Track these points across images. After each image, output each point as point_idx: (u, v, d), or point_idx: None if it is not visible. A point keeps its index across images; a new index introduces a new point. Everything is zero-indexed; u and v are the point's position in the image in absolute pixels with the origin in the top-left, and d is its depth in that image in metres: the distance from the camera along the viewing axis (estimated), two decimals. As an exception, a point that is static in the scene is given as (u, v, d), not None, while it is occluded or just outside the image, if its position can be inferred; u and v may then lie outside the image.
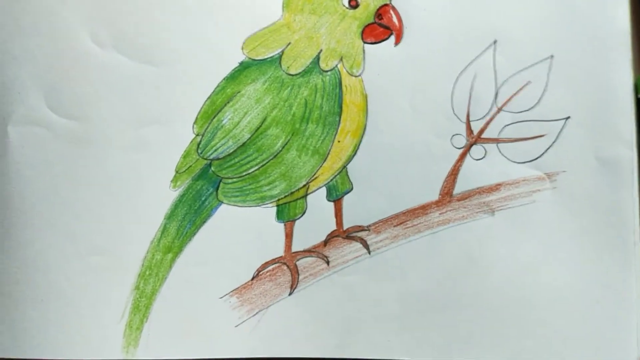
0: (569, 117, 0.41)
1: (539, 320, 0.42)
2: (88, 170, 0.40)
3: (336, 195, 0.42)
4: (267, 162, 0.41)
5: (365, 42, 0.42)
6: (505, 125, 0.44)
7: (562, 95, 0.44)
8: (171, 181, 0.40)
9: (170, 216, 0.40)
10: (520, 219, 0.43)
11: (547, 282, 0.42)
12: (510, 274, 0.42)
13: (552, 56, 0.44)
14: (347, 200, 0.42)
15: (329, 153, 0.42)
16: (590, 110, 0.43)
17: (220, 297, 0.40)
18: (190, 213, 0.40)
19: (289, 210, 0.41)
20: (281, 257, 0.41)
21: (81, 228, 0.40)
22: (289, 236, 0.41)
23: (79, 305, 0.39)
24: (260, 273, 0.41)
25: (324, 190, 0.42)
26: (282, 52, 0.41)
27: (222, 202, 0.41)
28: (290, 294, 0.41)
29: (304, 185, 0.42)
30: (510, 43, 0.43)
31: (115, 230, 0.40)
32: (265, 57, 0.41)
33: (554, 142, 0.43)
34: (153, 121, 0.40)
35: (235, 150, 0.41)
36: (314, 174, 0.42)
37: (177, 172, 0.40)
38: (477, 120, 0.43)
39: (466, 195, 0.43)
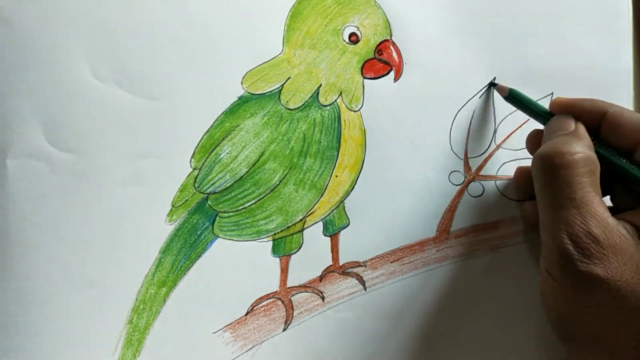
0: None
1: (539, 357, 0.41)
2: (85, 204, 0.40)
3: (333, 230, 0.42)
4: (264, 196, 0.41)
5: (364, 77, 0.43)
6: (504, 163, 0.44)
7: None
8: (167, 215, 0.41)
9: (165, 250, 0.40)
10: (519, 257, 0.42)
11: (544, 321, 0.41)
12: (508, 313, 0.42)
13: (552, 94, 0.44)
14: (343, 235, 0.42)
15: (326, 188, 0.42)
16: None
17: (214, 332, 0.40)
18: (185, 247, 0.40)
19: (285, 245, 0.41)
20: (276, 292, 0.41)
21: (76, 261, 0.40)
22: (284, 271, 0.41)
23: (72, 338, 0.39)
24: (255, 308, 0.41)
25: (320, 225, 0.42)
26: (282, 86, 0.42)
27: (218, 236, 0.41)
28: (284, 329, 0.41)
29: (301, 220, 0.42)
30: (510, 80, 0.43)
31: (110, 264, 0.40)
32: (265, 91, 0.42)
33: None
34: (151, 155, 0.40)
35: (232, 185, 0.41)
36: (311, 209, 0.42)
37: (173, 205, 0.40)
38: (476, 157, 0.44)
39: (464, 233, 0.43)
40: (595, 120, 0.37)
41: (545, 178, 0.35)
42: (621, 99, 0.45)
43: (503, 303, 0.42)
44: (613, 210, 0.34)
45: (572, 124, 0.37)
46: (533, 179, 0.36)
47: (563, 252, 0.32)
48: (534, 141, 0.41)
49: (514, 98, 0.41)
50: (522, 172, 0.42)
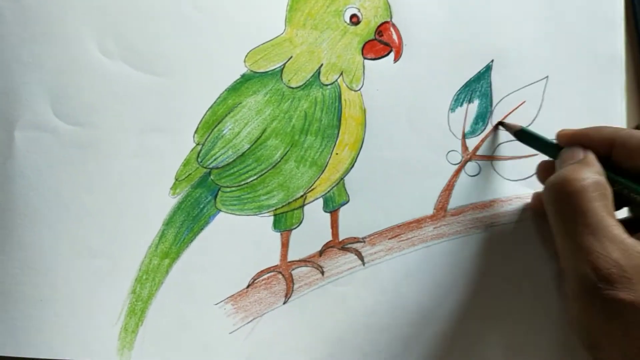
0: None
1: (530, 333, 0.42)
2: (91, 176, 0.41)
3: (333, 206, 0.43)
4: (266, 172, 0.42)
5: (365, 58, 0.43)
6: (500, 143, 0.44)
7: (556, 115, 0.45)
8: (171, 188, 0.41)
9: (168, 222, 0.41)
10: (513, 235, 0.43)
11: (537, 299, 0.42)
12: (501, 288, 0.42)
13: (547, 77, 0.45)
14: (343, 211, 0.43)
15: (326, 165, 0.42)
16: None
17: (216, 304, 0.41)
18: (188, 220, 0.41)
19: (285, 220, 0.42)
20: (277, 265, 0.42)
21: (82, 231, 0.40)
22: (285, 245, 0.42)
23: (76, 307, 0.40)
24: (256, 281, 0.41)
25: (320, 202, 0.43)
26: (284, 65, 0.42)
27: (220, 210, 0.42)
28: (284, 302, 0.42)
29: (302, 196, 0.42)
30: (507, 63, 0.44)
31: (114, 235, 0.41)
32: (267, 70, 0.42)
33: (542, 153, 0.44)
34: (155, 129, 0.41)
35: (234, 160, 0.42)
36: (312, 185, 0.42)
37: (176, 179, 0.41)
38: (473, 137, 0.44)
39: (460, 211, 0.43)
40: (605, 147, 0.37)
41: (557, 206, 0.35)
42: (614, 83, 0.45)
43: (498, 279, 0.43)
44: (630, 224, 0.34)
45: (580, 154, 0.37)
46: (545, 207, 0.36)
47: (585, 281, 0.32)
48: (544, 172, 0.41)
49: (524, 135, 0.42)
50: (537, 198, 0.43)
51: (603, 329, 0.32)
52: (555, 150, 0.39)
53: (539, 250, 0.42)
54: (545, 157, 0.42)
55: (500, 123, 0.44)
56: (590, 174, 0.34)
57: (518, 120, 0.45)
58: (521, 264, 0.43)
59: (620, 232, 0.33)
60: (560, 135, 0.39)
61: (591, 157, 0.36)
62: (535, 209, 0.43)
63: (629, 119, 0.46)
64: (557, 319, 0.42)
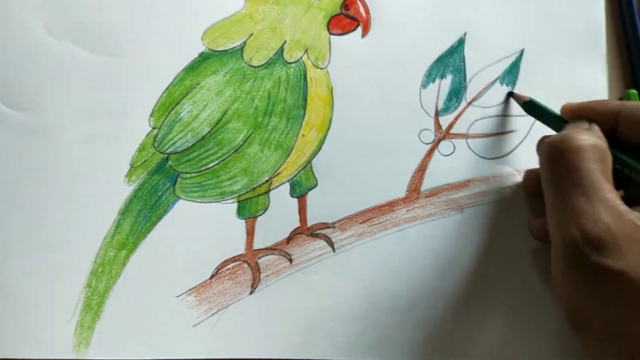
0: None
1: (512, 315, 0.40)
2: (40, 164, 0.38)
3: (300, 191, 0.41)
4: (228, 157, 0.40)
5: (331, 34, 0.41)
6: (475, 121, 0.43)
7: (533, 90, 0.43)
8: (126, 175, 0.39)
9: (124, 212, 0.39)
10: (490, 216, 0.41)
11: (517, 279, 0.40)
12: (479, 271, 0.41)
13: (523, 50, 0.43)
14: (311, 196, 0.41)
15: (292, 148, 0.40)
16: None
17: (177, 296, 0.39)
18: (145, 209, 0.39)
19: (250, 207, 0.40)
20: (242, 254, 0.40)
21: (32, 223, 0.38)
22: (250, 233, 0.40)
23: (28, 303, 0.38)
24: (220, 271, 0.39)
25: (287, 186, 0.41)
26: (244, 43, 0.40)
27: (180, 198, 0.40)
28: (251, 292, 0.40)
29: (267, 181, 0.40)
30: (481, 36, 0.42)
31: (67, 226, 0.39)
32: (227, 48, 0.40)
33: (525, 138, 0.42)
34: (108, 113, 0.39)
35: (194, 144, 0.40)
36: (277, 169, 0.40)
37: (132, 166, 0.39)
38: (446, 115, 0.43)
39: (434, 192, 0.42)
40: (611, 119, 0.35)
41: (551, 164, 0.33)
42: (594, 55, 0.44)
43: (476, 262, 0.41)
44: (627, 202, 0.32)
45: (585, 124, 0.35)
46: (540, 169, 0.35)
47: (571, 244, 0.30)
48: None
49: (532, 107, 0.41)
50: (530, 175, 0.41)
51: (586, 298, 0.31)
52: (561, 123, 0.38)
53: (519, 230, 0.40)
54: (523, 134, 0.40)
55: (510, 93, 0.43)
56: (590, 136, 0.33)
57: (493, 97, 0.42)
58: (500, 245, 0.41)
59: (614, 197, 0.31)
60: (565, 109, 0.38)
61: (595, 126, 0.35)
62: (526, 189, 0.41)
63: (611, 92, 0.44)
64: (540, 298, 0.40)
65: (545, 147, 0.34)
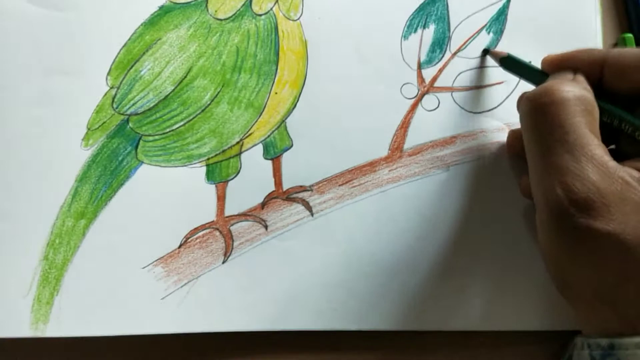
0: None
1: (503, 277, 0.38)
2: (-13, 128, 0.35)
3: (274, 152, 0.38)
4: (194, 117, 0.37)
5: (303, -18, 0.38)
6: (460, 73, 0.40)
7: (521, 38, 0.41)
8: (82, 139, 0.36)
9: (82, 178, 0.36)
10: (477, 174, 0.39)
11: (505, 241, 0.38)
12: (465, 233, 0.38)
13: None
14: (286, 157, 0.38)
15: (265, 106, 0.38)
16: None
17: (143, 267, 0.36)
18: (105, 174, 0.36)
19: (220, 170, 0.37)
20: (213, 222, 0.37)
21: (-20, 193, 0.35)
22: (221, 199, 0.37)
23: (-20, 279, 0.35)
24: (189, 240, 0.37)
25: (260, 148, 0.38)
26: (209, -6, 0.37)
27: (143, 162, 0.37)
28: (223, 262, 0.37)
29: (238, 142, 0.37)
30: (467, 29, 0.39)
31: (19, 195, 0.36)
32: (189, 0, 0.37)
33: (513, 90, 0.40)
34: (61, 72, 0.36)
35: (156, 104, 0.37)
36: (249, 130, 0.37)
37: (89, 129, 0.36)
38: (429, 67, 0.40)
39: (418, 150, 0.39)
40: (596, 68, 0.33)
41: (532, 120, 0.30)
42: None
43: (463, 223, 0.38)
44: (616, 157, 0.30)
45: (570, 75, 0.33)
46: (521, 126, 0.32)
47: (556, 205, 0.28)
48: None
49: (510, 62, 0.38)
50: (514, 134, 0.38)
51: (573, 262, 0.29)
52: (544, 77, 0.35)
53: (508, 189, 0.38)
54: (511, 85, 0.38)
55: (486, 51, 0.40)
56: (575, 87, 0.30)
57: (479, 47, 0.40)
58: (488, 204, 0.39)
59: (602, 152, 0.28)
60: (546, 61, 0.35)
61: (581, 77, 0.32)
62: (511, 150, 0.38)
63: (605, 36, 0.41)
64: (529, 261, 0.37)
65: (525, 101, 0.31)
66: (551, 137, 0.29)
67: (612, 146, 0.34)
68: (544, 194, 0.29)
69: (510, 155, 0.39)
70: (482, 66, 0.40)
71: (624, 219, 0.27)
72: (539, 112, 0.30)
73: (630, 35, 0.41)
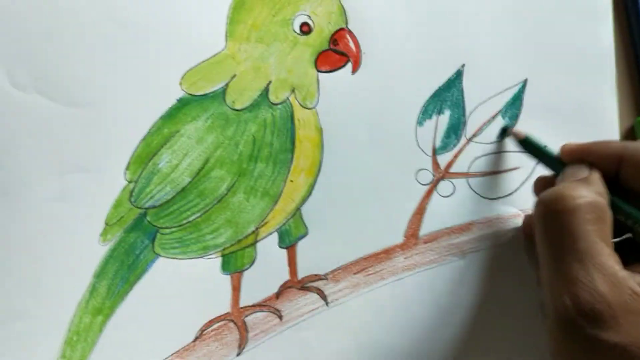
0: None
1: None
2: (6, 225, 0.36)
3: (289, 241, 0.38)
4: (211, 208, 0.37)
5: (319, 71, 0.39)
6: (476, 158, 0.40)
7: (537, 122, 0.40)
8: (100, 235, 0.37)
9: (99, 274, 0.36)
10: (493, 262, 0.39)
11: (524, 331, 0.37)
12: (484, 322, 0.38)
13: (526, 80, 0.40)
14: (301, 246, 0.38)
15: (280, 194, 0.38)
16: (569, 139, 0.39)
17: (159, 362, 0.36)
18: (122, 269, 0.36)
19: (235, 260, 0.37)
20: (228, 313, 0.37)
21: (-1, 291, 0.36)
22: (236, 289, 0.37)
23: (-2, 377, 0.35)
24: (204, 332, 0.37)
25: (275, 237, 0.38)
26: (226, 85, 0.38)
27: (159, 255, 0.37)
28: (238, 354, 0.37)
29: (253, 232, 0.38)
30: (480, 68, 0.40)
31: (37, 292, 0.36)
32: (207, 92, 0.38)
33: (529, 176, 0.39)
34: (79, 168, 0.36)
35: (174, 197, 0.37)
36: (264, 219, 0.38)
37: (107, 224, 0.36)
38: (444, 153, 0.40)
39: (434, 237, 0.39)
40: (613, 163, 0.33)
41: (544, 226, 0.31)
42: (603, 81, 0.41)
43: (479, 312, 0.38)
44: (631, 249, 0.30)
45: (585, 172, 0.33)
46: (534, 226, 0.32)
47: (565, 315, 0.28)
48: (543, 188, 0.37)
49: (528, 144, 0.38)
50: (530, 220, 0.38)
51: None
52: (559, 165, 0.35)
53: (525, 278, 0.38)
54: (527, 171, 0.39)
55: (504, 130, 0.40)
56: (587, 192, 0.30)
57: (494, 130, 0.40)
58: (505, 293, 0.38)
59: (613, 262, 0.28)
60: (563, 151, 0.35)
61: (595, 176, 0.32)
62: (526, 234, 0.38)
63: (622, 119, 0.41)
64: (545, 354, 0.37)
65: (538, 205, 0.31)
66: (561, 244, 0.29)
67: (628, 235, 0.34)
68: (553, 301, 0.29)
69: (525, 242, 0.38)
70: (498, 151, 0.40)
71: (632, 331, 0.27)
72: (551, 219, 0.30)
73: (646, 120, 0.41)
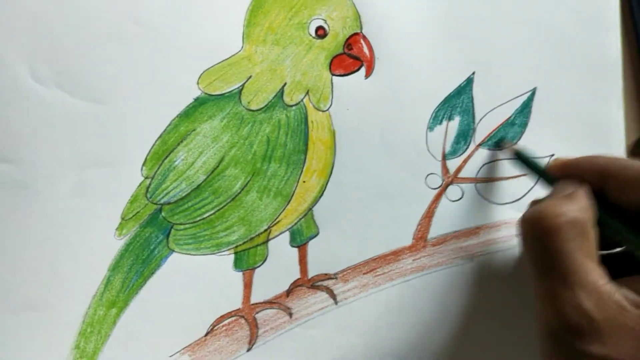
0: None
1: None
2: (24, 217, 0.36)
3: (300, 240, 0.39)
4: (225, 206, 0.38)
5: (333, 74, 0.39)
6: (484, 164, 0.40)
7: (545, 130, 0.41)
8: (116, 229, 0.37)
9: (114, 267, 0.37)
10: (501, 265, 0.39)
11: (531, 334, 0.38)
12: (490, 325, 0.38)
13: (535, 88, 0.41)
14: (312, 245, 0.39)
15: (293, 194, 0.38)
16: (576, 148, 0.40)
17: (171, 356, 0.37)
18: (137, 263, 0.37)
19: (248, 258, 0.38)
20: (239, 309, 0.38)
21: (16, 281, 0.36)
22: (247, 286, 0.38)
23: (12, 366, 0.36)
24: (215, 328, 0.37)
25: (287, 236, 0.39)
26: (242, 86, 0.38)
27: (174, 251, 0.38)
28: (248, 350, 0.38)
29: (265, 230, 0.38)
30: (490, 75, 0.40)
31: (53, 283, 0.36)
32: (224, 92, 0.38)
33: (536, 182, 0.40)
34: (97, 163, 0.37)
35: (188, 194, 0.38)
36: (276, 218, 0.38)
37: (123, 218, 0.37)
38: (454, 158, 0.40)
39: (442, 240, 0.40)
40: (599, 179, 0.33)
41: (527, 245, 0.32)
42: (610, 92, 0.42)
43: (486, 315, 0.39)
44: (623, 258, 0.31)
45: (570, 188, 0.33)
46: (520, 243, 0.33)
47: (552, 330, 0.29)
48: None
49: (521, 158, 0.38)
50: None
51: None
52: (550, 179, 0.36)
53: (532, 282, 0.38)
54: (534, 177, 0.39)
55: (498, 143, 0.40)
56: (570, 210, 0.30)
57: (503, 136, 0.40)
58: (511, 297, 0.39)
59: (597, 277, 0.29)
60: (553, 166, 0.36)
61: (580, 192, 0.32)
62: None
63: (628, 131, 0.42)
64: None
65: (522, 225, 0.32)
66: (544, 263, 0.30)
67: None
68: (541, 316, 0.30)
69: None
70: (506, 158, 0.41)
71: (620, 343, 0.28)
72: (532, 239, 0.31)
73: (652, 132, 0.42)
